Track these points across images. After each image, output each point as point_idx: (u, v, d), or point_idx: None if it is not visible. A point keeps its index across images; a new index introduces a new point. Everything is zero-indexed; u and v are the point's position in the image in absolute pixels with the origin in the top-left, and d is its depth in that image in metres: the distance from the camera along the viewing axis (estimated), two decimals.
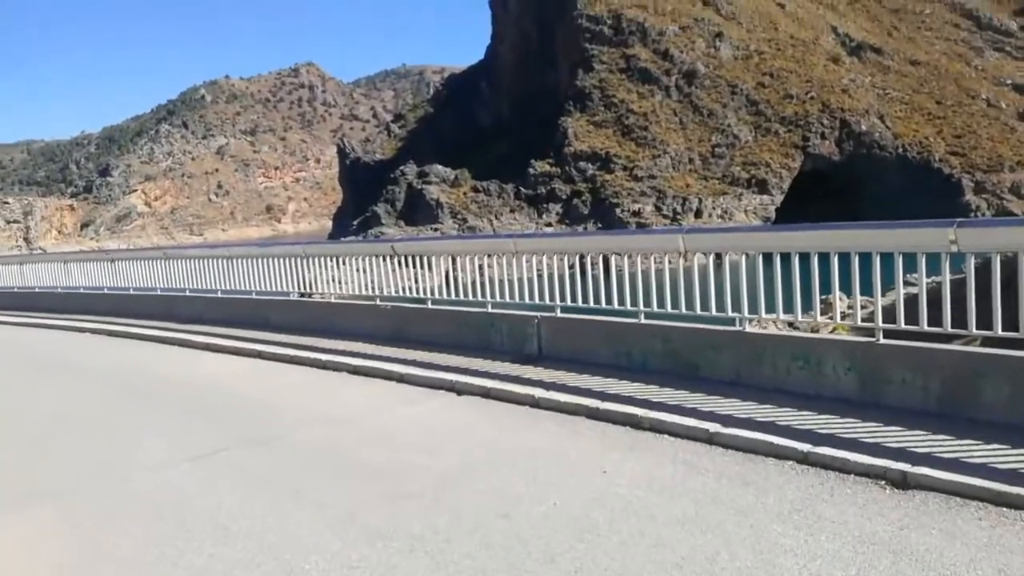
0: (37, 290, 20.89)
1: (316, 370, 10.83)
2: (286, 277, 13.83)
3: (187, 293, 16.30)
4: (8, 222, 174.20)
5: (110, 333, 15.89)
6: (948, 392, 6.32)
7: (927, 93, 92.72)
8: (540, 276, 9.78)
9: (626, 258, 8.86)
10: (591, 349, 9.25)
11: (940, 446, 5.73)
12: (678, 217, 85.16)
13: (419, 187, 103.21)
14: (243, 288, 14.88)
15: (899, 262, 6.60)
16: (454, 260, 11.05)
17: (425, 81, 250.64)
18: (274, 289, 14.21)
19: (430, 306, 11.40)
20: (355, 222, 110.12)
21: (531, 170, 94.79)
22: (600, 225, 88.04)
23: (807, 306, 7.78)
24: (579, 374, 8.78)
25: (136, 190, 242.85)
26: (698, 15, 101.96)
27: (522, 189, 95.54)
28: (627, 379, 8.36)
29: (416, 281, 11.53)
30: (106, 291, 18.59)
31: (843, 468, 5.61)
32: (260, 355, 12.08)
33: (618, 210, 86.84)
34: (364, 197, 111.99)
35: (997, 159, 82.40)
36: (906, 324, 6.67)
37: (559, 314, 9.66)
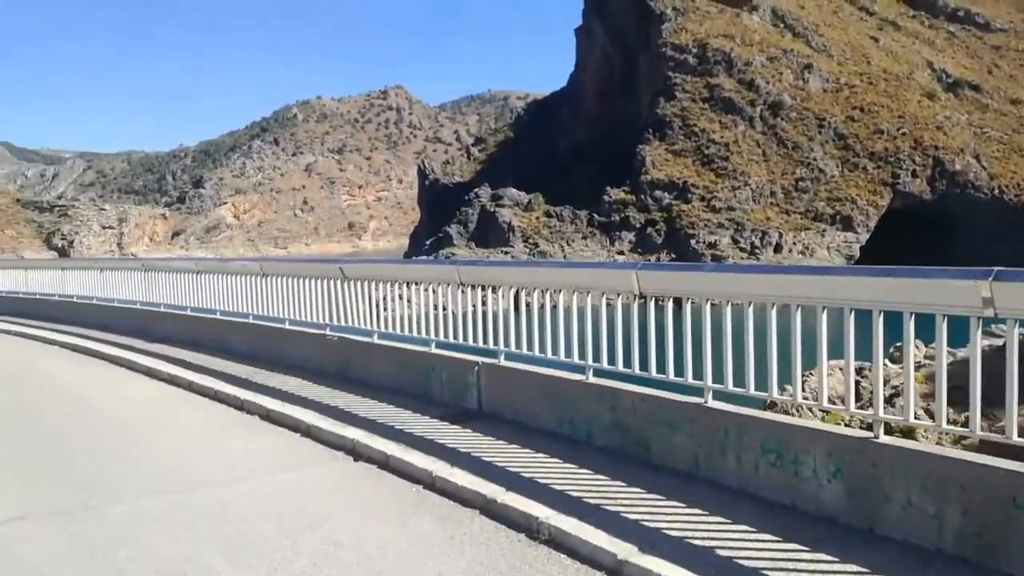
0: (38, 296, 20.08)
1: (231, 411, 9.20)
2: (247, 297, 12.33)
3: (162, 309, 15.01)
4: (104, 227, 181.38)
5: (74, 348, 14.68)
6: (973, 528, 4.17)
7: None
8: (485, 312, 7.90)
9: (574, 296, 6.91)
10: (533, 409, 7.32)
11: None
12: (756, 251, 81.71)
13: (492, 210, 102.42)
14: (209, 307, 13.48)
15: (910, 325, 4.51)
16: (400, 287, 9.26)
17: (509, 106, 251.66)
18: (235, 309, 12.74)
19: (376, 340, 9.65)
20: (428, 242, 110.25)
21: (606, 197, 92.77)
22: (674, 256, 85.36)
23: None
24: (508, 443, 6.86)
25: (226, 202, 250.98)
26: (787, 46, 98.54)
27: (596, 216, 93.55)
28: (560, 455, 6.40)
29: (368, 309, 9.79)
30: (95, 302, 17.54)
31: None
32: (190, 386, 10.55)
33: (693, 241, 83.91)
34: (440, 218, 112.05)
35: None
36: (918, 418, 4.57)
37: (502, 362, 7.76)
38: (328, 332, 10.54)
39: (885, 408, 4.80)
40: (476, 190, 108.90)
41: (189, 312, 14.12)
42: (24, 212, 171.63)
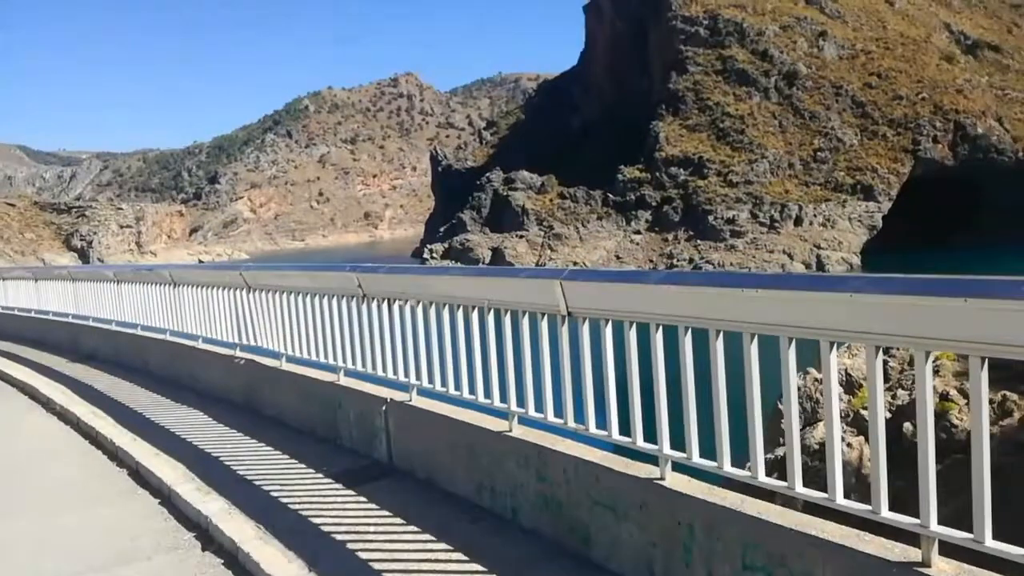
0: None
1: (101, 462, 7.39)
2: (162, 310, 10.55)
3: (90, 322, 13.26)
4: (121, 227, 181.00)
5: None
6: None
7: None
8: (393, 334, 5.99)
9: (491, 315, 4.98)
10: (448, 466, 5.42)
11: None
12: (776, 225, 79.23)
13: (505, 194, 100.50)
14: (131, 320, 11.71)
15: (979, 375, 2.54)
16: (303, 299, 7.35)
17: (521, 88, 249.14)
18: (153, 324, 10.96)
19: (283, 365, 7.79)
20: (442, 229, 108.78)
21: (620, 176, 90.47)
22: (692, 233, 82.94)
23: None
24: (405, 522, 4.96)
25: (242, 197, 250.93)
26: (800, 14, 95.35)
27: (610, 196, 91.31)
28: (468, 545, 4.50)
29: (275, 326, 7.91)
30: (33, 314, 15.83)
31: None
32: (77, 424, 8.74)
33: (711, 217, 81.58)
34: (454, 204, 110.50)
35: None
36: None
37: (414, 400, 5.85)
38: (237, 353, 8.69)
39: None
40: (488, 174, 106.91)
41: (113, 327, 12.36)
42: (43, 214, 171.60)
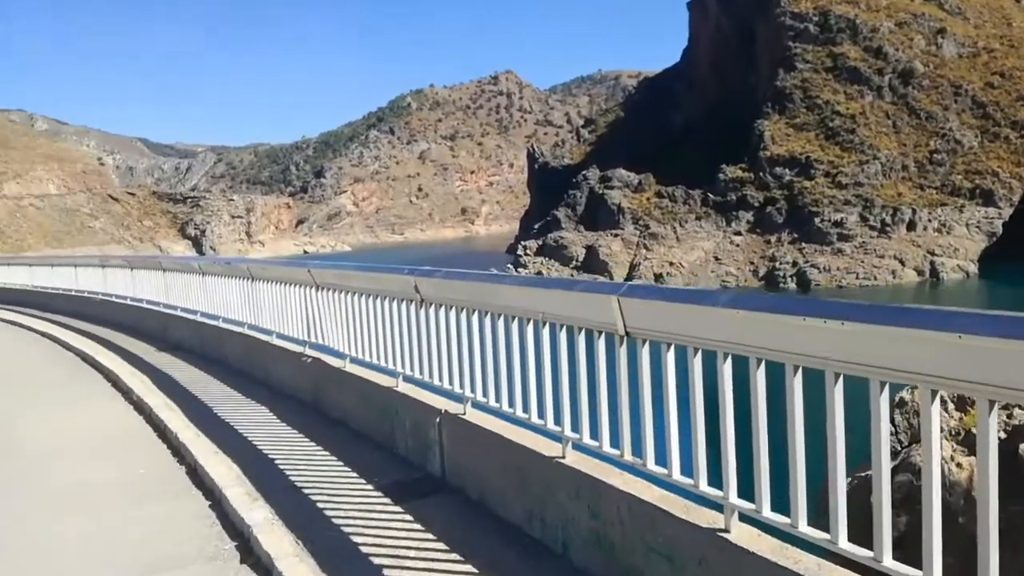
0: (86, 295, 19.15)
1: (163, 458, 7.31)
2: (240, 303, 10.56)
3: (178, 312, 13.48)
4: (233, 217, 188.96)
5: (83, 357, 13.34)
6: None
7: None
8: (449, 342, 5.63)
9: (546, 329, 4.56)
10: (500, 489, 5.02)
11: None
12: (887, 229, 75.61)
13: (601, 192, 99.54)
14: (213, 312, 11.81)
15: None
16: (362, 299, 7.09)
17: (621, 86, 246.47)
18: (232, 317, 11.01)
19: (347, 366, 7.56)
20: (536, 226, 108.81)
21: (721, 175, 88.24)
22: (796, 235, 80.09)
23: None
24: (448, 548, 4.59)
25: (346, 191, 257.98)
26: (917, 10, 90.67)
27: (710, 195, 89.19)
28: None
29: (341, 325, 7.70)
30: (129, 302, 16.30)
31: None
32: (149, 416, 8.77)
33: (817, 219, 78.53)
34: (550, 201, 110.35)
35: None
36: None
37: (468, 413, 5.47)
38: (306, 351, 8.55)
39: None
40: (584, 172, 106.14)
41: (199, 317, 12.52)
42: (160, 204, 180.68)
